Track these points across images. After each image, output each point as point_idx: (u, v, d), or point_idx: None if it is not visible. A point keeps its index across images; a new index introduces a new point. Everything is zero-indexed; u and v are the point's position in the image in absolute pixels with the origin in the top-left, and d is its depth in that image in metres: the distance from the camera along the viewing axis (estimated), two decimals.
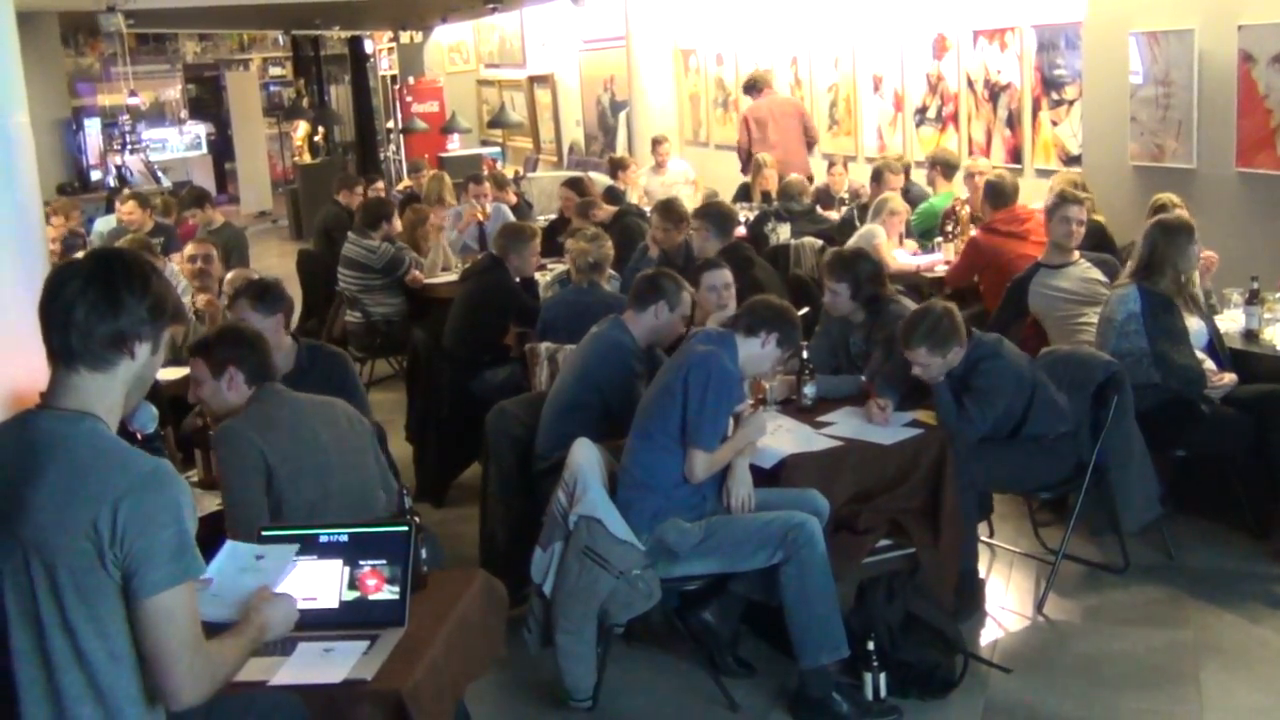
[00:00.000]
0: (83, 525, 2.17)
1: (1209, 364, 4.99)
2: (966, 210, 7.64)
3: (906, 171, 8.82)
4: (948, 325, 4.43)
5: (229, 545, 2.77)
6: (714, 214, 6.48)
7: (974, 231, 7.10)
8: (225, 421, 3.66)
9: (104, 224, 10.52)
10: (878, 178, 8.24)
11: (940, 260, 7.37)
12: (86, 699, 2.22)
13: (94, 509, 2.17)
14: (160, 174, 17.09)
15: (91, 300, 2.26)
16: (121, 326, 2.28)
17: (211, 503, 3.90)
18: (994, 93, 8.94)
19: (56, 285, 2.29)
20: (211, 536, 2.77)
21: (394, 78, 20.38)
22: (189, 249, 6.57)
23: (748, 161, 10.20)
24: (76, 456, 2.22)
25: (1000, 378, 4.47)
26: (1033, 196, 7.38)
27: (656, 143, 11.35)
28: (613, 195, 9.58)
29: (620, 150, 13.31)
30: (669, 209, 6.90)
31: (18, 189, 4.57)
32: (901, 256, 7.42)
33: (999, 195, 6.78)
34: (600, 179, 10.55)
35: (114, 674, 2.23)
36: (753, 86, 10.61)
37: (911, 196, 8.33)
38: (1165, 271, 4.98)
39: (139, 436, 3.90)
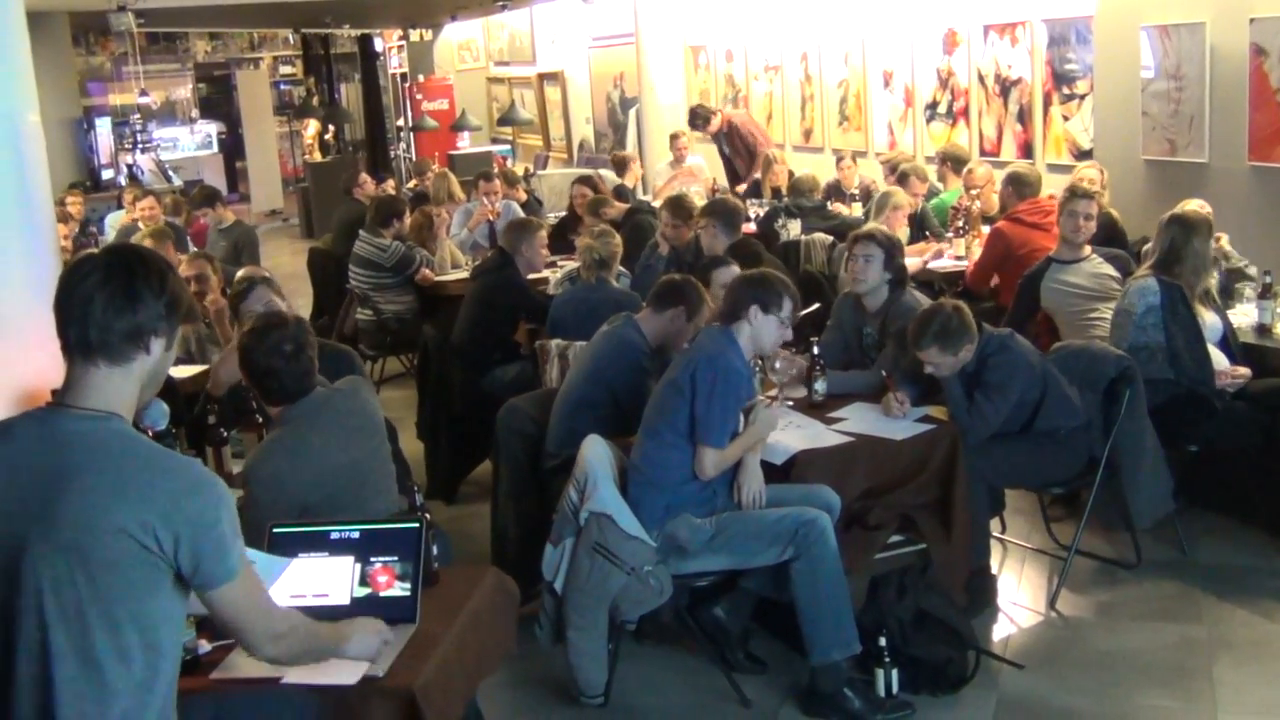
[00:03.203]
0: (129, 528, 2.18)
1: (1222, 359, 4.97)
2: (977, 206, 7.62)
3: None
4: (958, 323, 4.41)
5: None
6: (722, 210, 6.48)
7: (986, 228, 7.09)
8: (259, 456, 3.54)
9: (115, 219, 10.59)
10: (903, 180, 8.20)
11: (950, 256, 7.35)
12: (127, 693, 2.24)
13: (141, 514, 2.19)
14: (171, 173, 17.16)
15: (110, 294, 2.26)
16: (139, 321, 2.29)
17: None
18: (1005, 88, 8.91)
19: (74, 279, 2.29)
20: None
21: (404, 76, 20.41)
22: (183, 270, 6.39)
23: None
24: (113, 460, 2.23)
25: (1011, 371, 4.46)
26: (1044, 192, 7.35)
27: (674, 138, 11.34)
28: (621, 194, 9.59)
29: (630, 147, 13.30)
30: (678, 205, 6.91)
31: (30, 188, 4.58)
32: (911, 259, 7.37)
33: (1023, 185, 6.73)
34: (610, 177, 10.55)
35: (152, 665, 2.26)
36: (711, 112, 10.79)
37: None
38: (1184, 266, 4.96)
39: (150, 433, 3.90)
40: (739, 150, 10.80)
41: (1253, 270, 5.68)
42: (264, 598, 2.45)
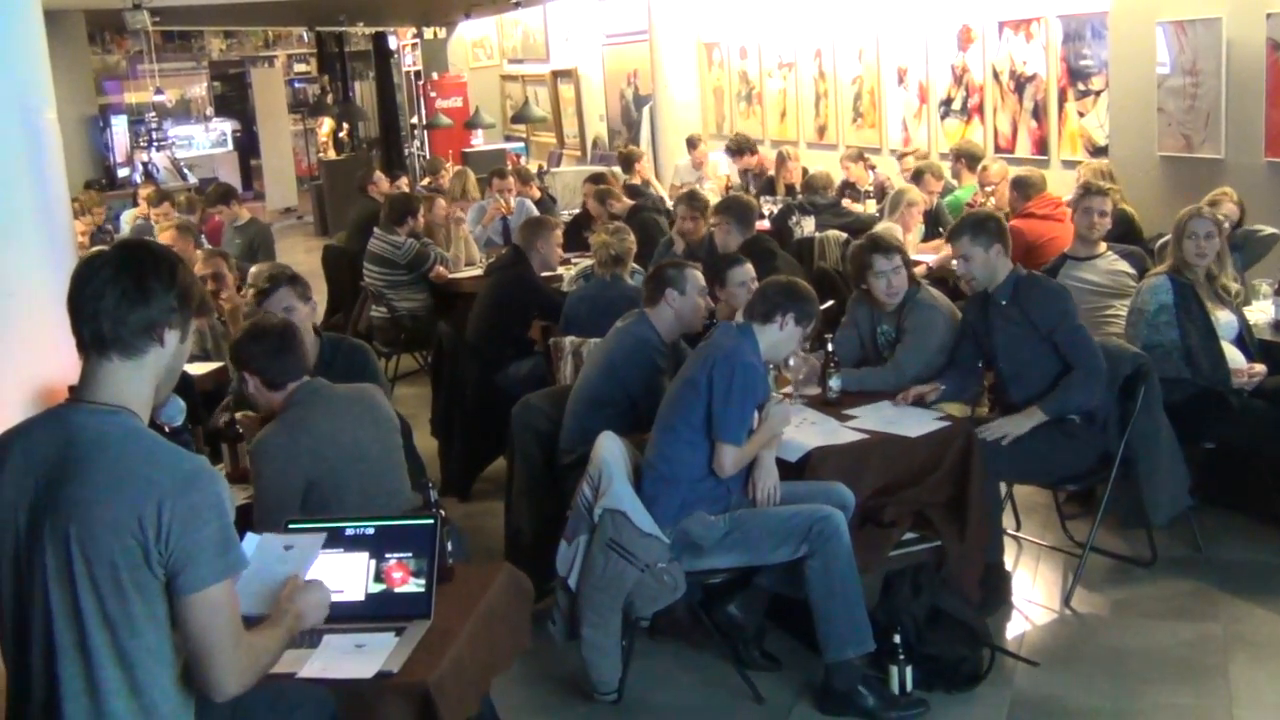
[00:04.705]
0: (128, 523, 2.19)
1: (1238, 356, 4.95)
2: (992, 203, 7.60)
3: None
4: (994, 226, 4.64)
5: (258, 537, 2.79)
6: (734, 207, 6.49)
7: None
8: (263, 434, 3.64)
9: (128, 216, 10.66)
10: (918, 178, 8.19)
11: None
12: (123, 694, 2.25)
13: (139, 507, 2.19)
14: (186, 171, 17.21)
15: (122, 288, 2.28)
16: (151, 314, 2.30)
17: (239, 495, 3.92)
18: (1020, 84, 8.89)
19: (86, 275, 2.31)
20: (239, 530, 2.79)
21: (418, 73, 20.44)
22: (198, 269, 6.37)
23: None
24: (117, 454, 2.24)
25: (1053, 292, 4.64)
26: (1059, 188, 7.35)
27: (692, 145, 11.30)
28: (632, 191, 9.59)
29: (644, 144, 13.29)
30: (693, 198, 6.97)
31: (47, 185, 4.60)
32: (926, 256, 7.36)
33: (1028, 186, 6.84)
34: (619, 174, 10.54)
35: (151, 669, 2.26)
36: (750, 149, 10.80)
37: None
38: (1185, 265, 4.95)
39: (166, 429, 3.92)
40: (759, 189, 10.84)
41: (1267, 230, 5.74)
42: (239, 616, 2.33)
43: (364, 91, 23.96)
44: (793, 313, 4.15)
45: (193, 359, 5.35)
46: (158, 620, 2.26)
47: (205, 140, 21.52)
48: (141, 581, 2.22)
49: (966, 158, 8.45)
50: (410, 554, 3.05)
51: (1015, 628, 4.50)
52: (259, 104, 20.80)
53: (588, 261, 6.96)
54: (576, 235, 8.33)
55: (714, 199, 7.72)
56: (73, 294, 2.31)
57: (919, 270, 5.87)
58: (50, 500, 2.24)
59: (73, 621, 2.23)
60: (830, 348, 4.80)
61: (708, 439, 4.00)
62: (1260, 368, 4.94)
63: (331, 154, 18.92)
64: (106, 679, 2.23)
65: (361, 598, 3.03)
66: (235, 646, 2.29)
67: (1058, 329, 4.53)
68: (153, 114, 17.29)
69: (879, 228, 7.35)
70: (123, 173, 15.95)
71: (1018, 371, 4.63)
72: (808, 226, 8.15)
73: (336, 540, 3.07)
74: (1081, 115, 8.33)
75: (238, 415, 4.31)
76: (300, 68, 26.03)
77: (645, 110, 13.96)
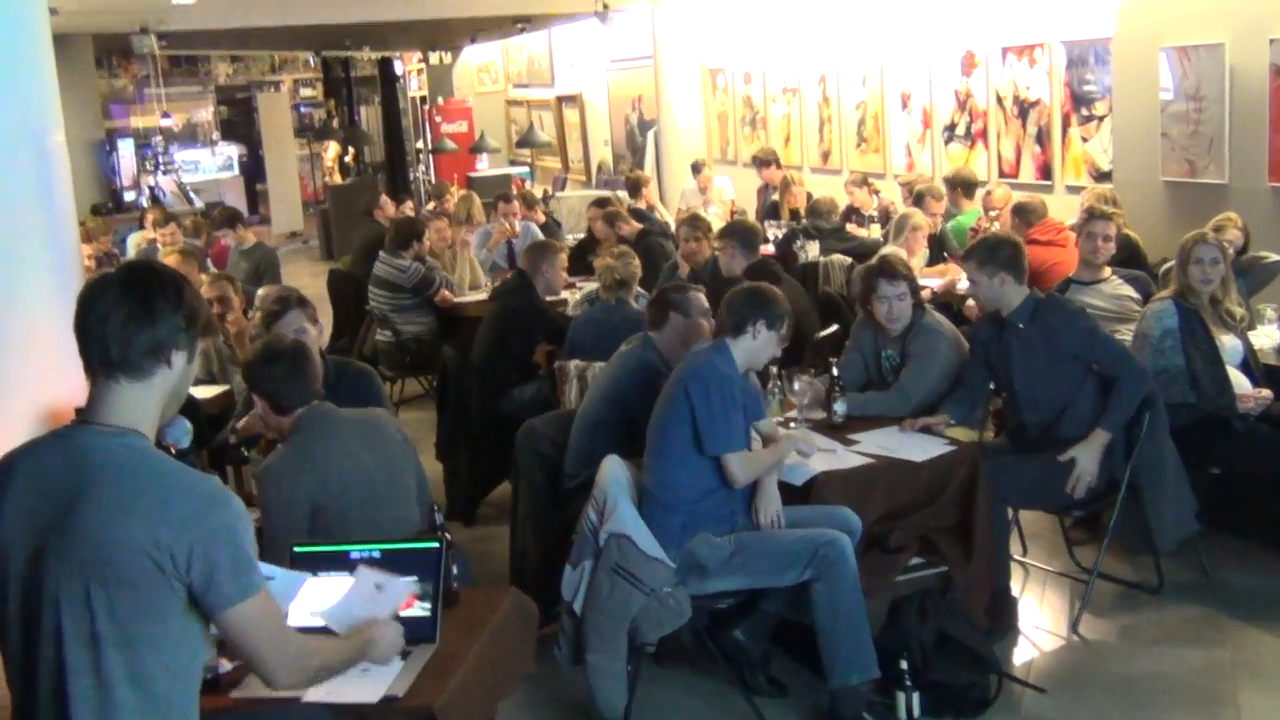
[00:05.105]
0: (143, 544, 2.19)
1: (1243, 381, 4.94)
2: (995, 228, 7.60)
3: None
4: (1006, 254, 4.62)
5: (359, 573, 2.85)
6: (739, 231, 6.51)
7: None
8: (269, 459, 3.67)
9: (134, 240, 10.70)
10: (919, 201, 8.21)
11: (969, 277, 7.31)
12: (136, 714, 2.25)
13: (154, 529, 2.19)
14: (193, 195, 17.28)
15: (128, 310, 2.28)
16: (159, 335, 2.30)
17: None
18: (1023, 109, 8.91)
19: (92, 297, 2.31)
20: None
21: (423, 98, 20.55)
22: (204, 292, 6.39)
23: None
24: (129, 475, 2.24)
25: (1076, 315, 4.65)
26: (1063, 213, 7.35)
27: (697, 169, 11.32)
28: (639, 216, 9.61)
29: (648, 169, 13.32)
30: (695, 220, 7.02)
31: (54, 206, 4.62)
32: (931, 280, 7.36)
33: (1029, 213, 6.87)
34: (625, 199, 10.56)
35: (166, 686, 2.26)
36: (774, 161, 10.82)
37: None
38: (1191, 292, 4.95)
39: (172, 451, 3.92)
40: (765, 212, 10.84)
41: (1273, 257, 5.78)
42: (280, 622, 2.40)
43: (370, 116, 24.06)
44: (762, 319, 4.13)
45: (198, 382, 5.37)
46: (174, 636, 2.26)
47: (211, 164, 21.59)
48: (160, 599, 2.22)
49: (962, 185, 8.45)
50: (416, 578, 3.05)
51: (1022, 654, 4.48)
52: (265, 128, 20.91)
53: (592, 285, 6.97)
54: (581, 259, 8.34)
55: (718, 223, 7.74)
56: (79, 316, 2.31)
57: (923, 295, 5.86)
58: (60, 522, 2.23)
59: (86, 643, 2.22)
60: (835, 372, 4.80)
61: (698, 456, 3.99)
62: (1266, 393, 4.93)
63: (337, 178, 18.99)
64: (120, 699, 2.23)
65: None
66: (279, 648, 2.35)
67: (1092, 348, 4.54)
68: (159, 138, 17.37)
69: (886, 251, 7.36)
70: (129, 196, 16.01)
71: (1033, 394, 4.63)
72: (812, 251, 8.16)
73: (342, 563, 3.06)
74: (1085, 140, 8.35)
75: (239, 424, 4.31)
76: (306, 92, 26.16)
77: (650, 135, 14.00)
